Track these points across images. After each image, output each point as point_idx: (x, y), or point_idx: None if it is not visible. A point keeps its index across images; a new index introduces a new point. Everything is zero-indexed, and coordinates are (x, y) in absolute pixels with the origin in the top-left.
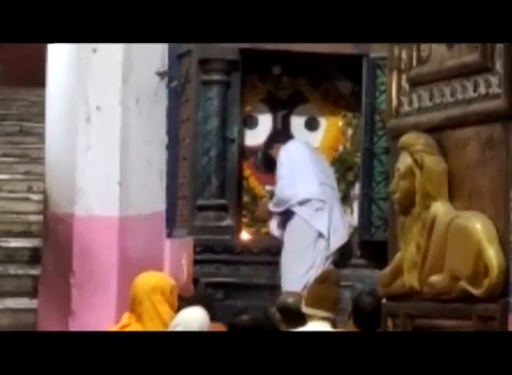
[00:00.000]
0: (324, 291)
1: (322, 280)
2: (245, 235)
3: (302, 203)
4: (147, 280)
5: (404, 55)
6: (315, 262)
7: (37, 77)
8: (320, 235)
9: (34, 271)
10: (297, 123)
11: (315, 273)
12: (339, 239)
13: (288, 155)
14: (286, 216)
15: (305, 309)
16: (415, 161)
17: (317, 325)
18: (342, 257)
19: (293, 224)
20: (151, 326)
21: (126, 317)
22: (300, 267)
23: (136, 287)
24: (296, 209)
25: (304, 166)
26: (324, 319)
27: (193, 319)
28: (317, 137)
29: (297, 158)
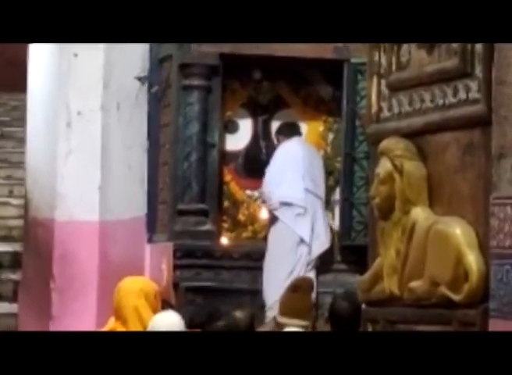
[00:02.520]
0: (297, 299)
1: (295, 288)
2: (225, 240)
3: (283, 204)
4: (132, 284)
5: (384, 60)
6: (296, 267)
7: (17, 82)
8: (301, 241)
9: (15, 276)
10: None
11: None
12: (320, 245)
13: (283, 154)
14: (272, 220)
15: (280, 318)
16: (395, 166)
17: None
18: (323, 262)
19: (275, 228)
20: (135, 330)
21: (112, 321)
22: (280, 272)
23: (120, 292)
24: (278, 213)
25: (294, 169)
26: (299, 327)
27: (166, 324)
28: None
29: (290, 159)
